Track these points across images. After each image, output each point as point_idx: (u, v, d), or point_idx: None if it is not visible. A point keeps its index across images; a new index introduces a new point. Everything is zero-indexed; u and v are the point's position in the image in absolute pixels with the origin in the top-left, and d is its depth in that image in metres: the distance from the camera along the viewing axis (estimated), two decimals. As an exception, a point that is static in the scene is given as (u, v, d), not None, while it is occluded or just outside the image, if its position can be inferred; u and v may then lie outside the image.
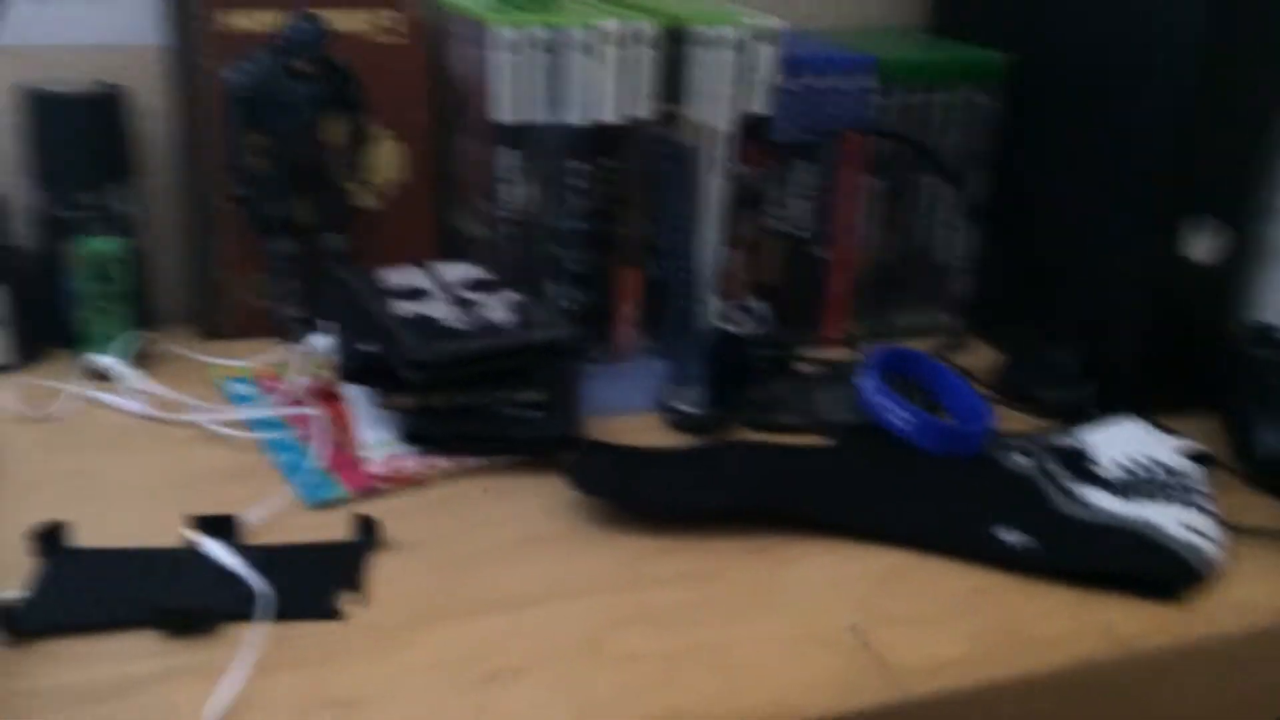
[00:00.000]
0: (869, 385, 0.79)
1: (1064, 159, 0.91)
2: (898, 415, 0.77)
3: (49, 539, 0.63)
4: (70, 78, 0.90)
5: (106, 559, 0.63)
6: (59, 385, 0.84)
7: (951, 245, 1.01)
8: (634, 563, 0.66)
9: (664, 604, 0.62)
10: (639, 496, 0.69)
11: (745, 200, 0.92)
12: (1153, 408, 0.82)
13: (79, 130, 0.88)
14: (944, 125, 0.96)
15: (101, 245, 0.85)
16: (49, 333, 0.91)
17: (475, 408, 0.77)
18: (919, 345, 0.88)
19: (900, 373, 0.84)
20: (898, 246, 0.99)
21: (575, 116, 0.86)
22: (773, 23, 0.88)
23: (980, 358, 0.97)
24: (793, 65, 0.90)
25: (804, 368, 0.90)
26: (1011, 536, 0.68)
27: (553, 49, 0.85)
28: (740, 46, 0.88)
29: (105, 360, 0.85)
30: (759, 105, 0.90)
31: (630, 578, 0.65)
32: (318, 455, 0.75)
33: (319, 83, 0.88)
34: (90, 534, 0.65)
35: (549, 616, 0.61)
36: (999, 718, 0.59)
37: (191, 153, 0.91)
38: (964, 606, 0.63)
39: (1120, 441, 0.76)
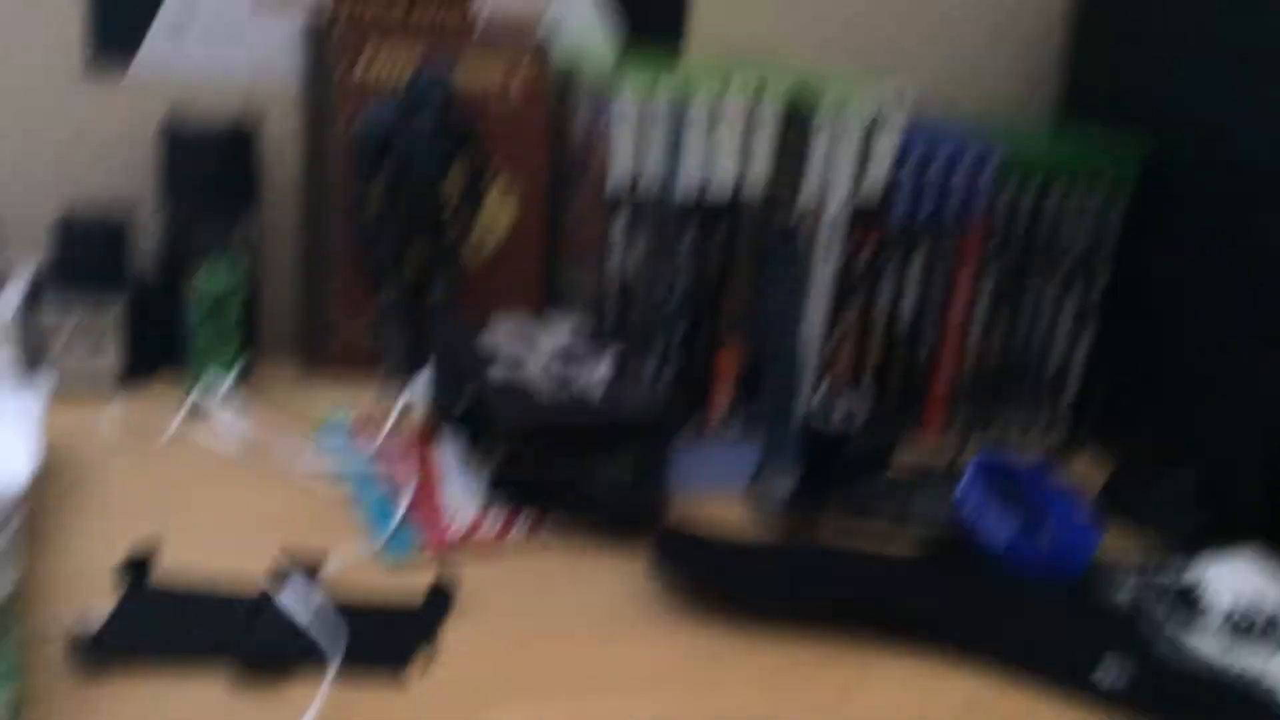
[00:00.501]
0: (969, 496, 0.76)
1: (1194, 263, 0.87)
2: (997, 534, 0.74)
3: (134, 570, 0.64)
4: (205, 113, 0.93)
5: (187, 596, 0.63)
6: (163, 412, 0.86)
7: (1065, 348, 0.97)
8: (707, 660, 0.64)
9: (738, 708, 0.60)
10: (720, 587, 0.67)
11: (853, 287, 0.90)
12: (1275, 543, 0.77)
13: (210, 164, 0.90)
14: (1066, 220, 0.93)
15: (218, 279, 0.87)
16: (159, 358, 0.94)
17: (561, 477, 0.76)
18: (1024, 450, 0.84)
19: (1004, 481, 0.80)
20: (1008, 345, 0.96)
21: (689, 188, 0.85)
22: (896, 104, 0.86)
23: (1089, 469, 0.93)
24: (914, 153, 0.89)
25: (901, 467, 0.87)
26: (1108, 678, 0.64)
27: (673, 119, 0.85)
28: (862, 131, 0.86)
29: (209, 391, 0.86)
30: (875, 190, 0.88)
31: (703, 676, 0.63)
32: (403, 509, 0.75)
33: (442, 136, 0.90)
34: (179, 565, 0.66)
35: (616, 708, 0.59)
36: None
37: (314, 194, 0.93)
38: (1052, 749, 0.60)
39: (1237, 579, 0.72)
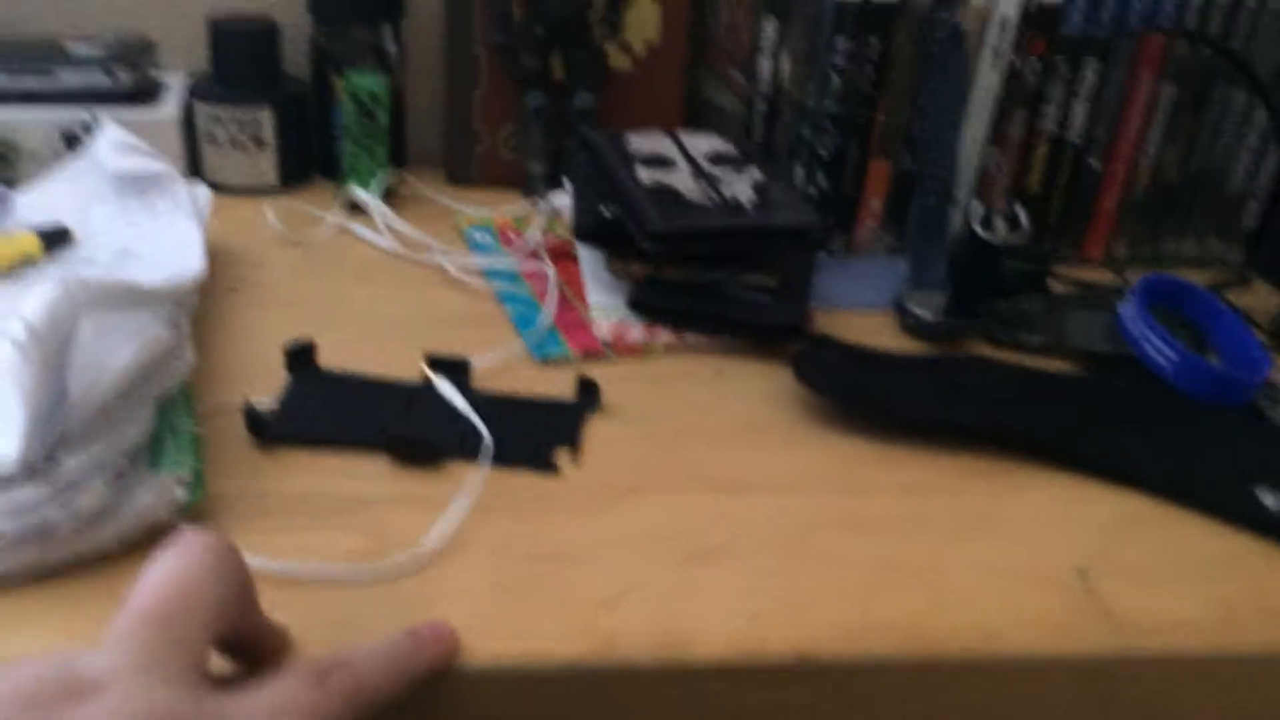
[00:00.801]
0: (1131, 313, 0.73)
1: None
2: (1161, 351, 0.70)
3: (300, 357, 0.67)
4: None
5: (349, 383, 0.66)
6: (317, 212, 0.88)
7: (1248, 170, 0.90)
8: (850, 466, 0.64)
9: (876, 513, 0.60)
10: (865, 398, 0.67)
11: (1020, 97, 0.85)
12: None
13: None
14: (1260, 32, 0.85)
15: (367, 81, 0.87)
16: (312, 161, 0.96)
17: (706, 285, 0.76)
18: (1194, 278, 0.80)
19: (1168, 305, 0.76)
20: (1185, 165, 0.89)
21: (847, -10, 0.81)
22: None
23: (1263, 300, 0.88)
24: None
25: (1059, 286, 0.83)
26: (1273, 499, 0.61)
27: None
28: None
29: (360, 194, 0.88)
30: (1051, -6, 0.82)
31: (845, 481, 0.63)
32: (548, 312, 0.76)
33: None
34: (335, 357, 0.69)
35: (757, 506, 0.60)
36: (1228, 692, 0.54)
37: (458, 1, 0.91)
38: (1208, 567, 0.58)
39: None
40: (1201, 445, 0.66)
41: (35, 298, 0.50)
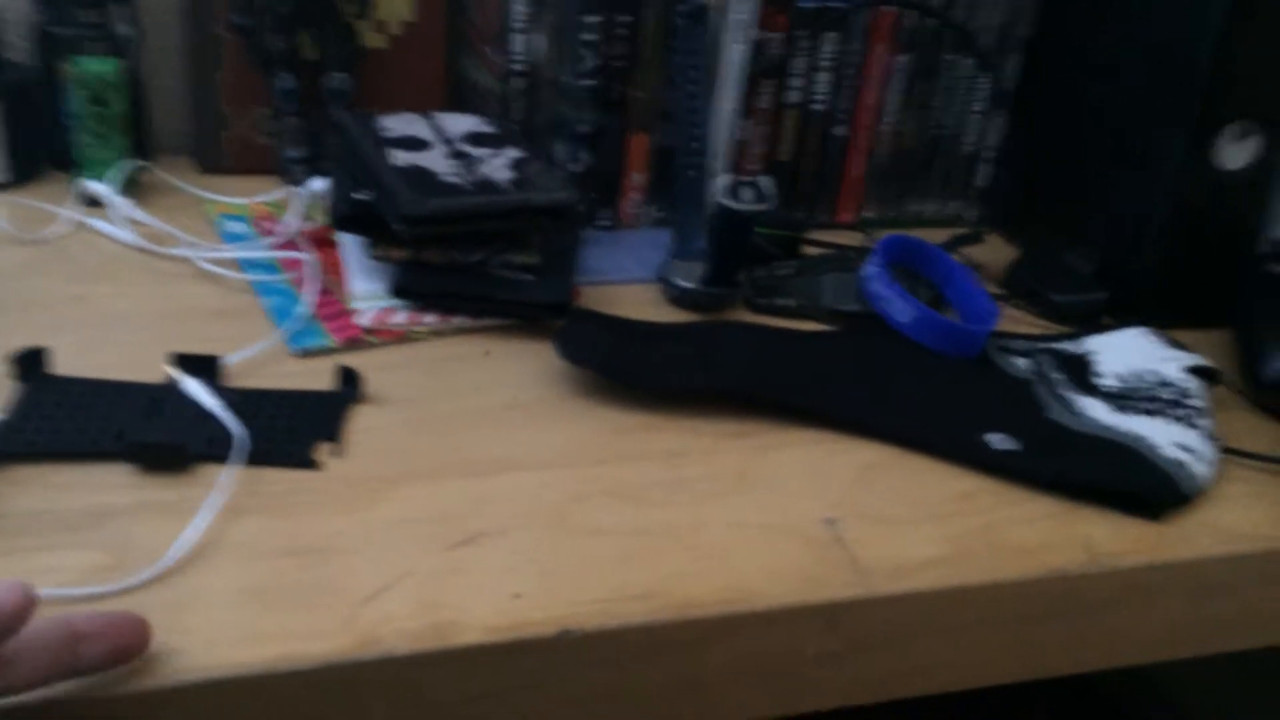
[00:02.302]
0: (871, 273, 0.77)
1: (1103, 51, 0.87)
2: (898, 307, 0.75)
3: (29, 363, 0.63)
4: (68, -117, 0.85)
5: (85, 388, 0.62)
6: (50, 208, 0.82)
7: (978, 133, 0.97)
8: (612, 437, 0.65)
9: (637, 481, 0.62)
10: (625, 369, 0.68)
11: (765, 69, 0.88)
12: (1166, 321, 0.80)
13: (76, -59, 0.84)
14: (982, 2, 0.91)
15: (97, 65, 0.82)
16: (43, 153, 0.89)
17: (468, 266, 0.75)
18: (935, 236, 0.85)
19: (908, 264, 0.81)
20: (921, 130, 0.95)
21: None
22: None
23: (995, 254, 0.95)
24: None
25: (811, 251, 0.87)
26: (999, 441, 0.66)
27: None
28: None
29: (98, 186, 0.83)
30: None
31: (607, 452, 0.64)
32: (307, 302, 0.74)
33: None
34: (72, 362, 0.65)
35: (522, 484, 0.60)
36: (964, 623, 0.58)
37: (193, -25, 0.87)
38: (944, 509, 0.62)
39: (1125, 352, 0.74)
40: (937, 395, 0.70)
41: None
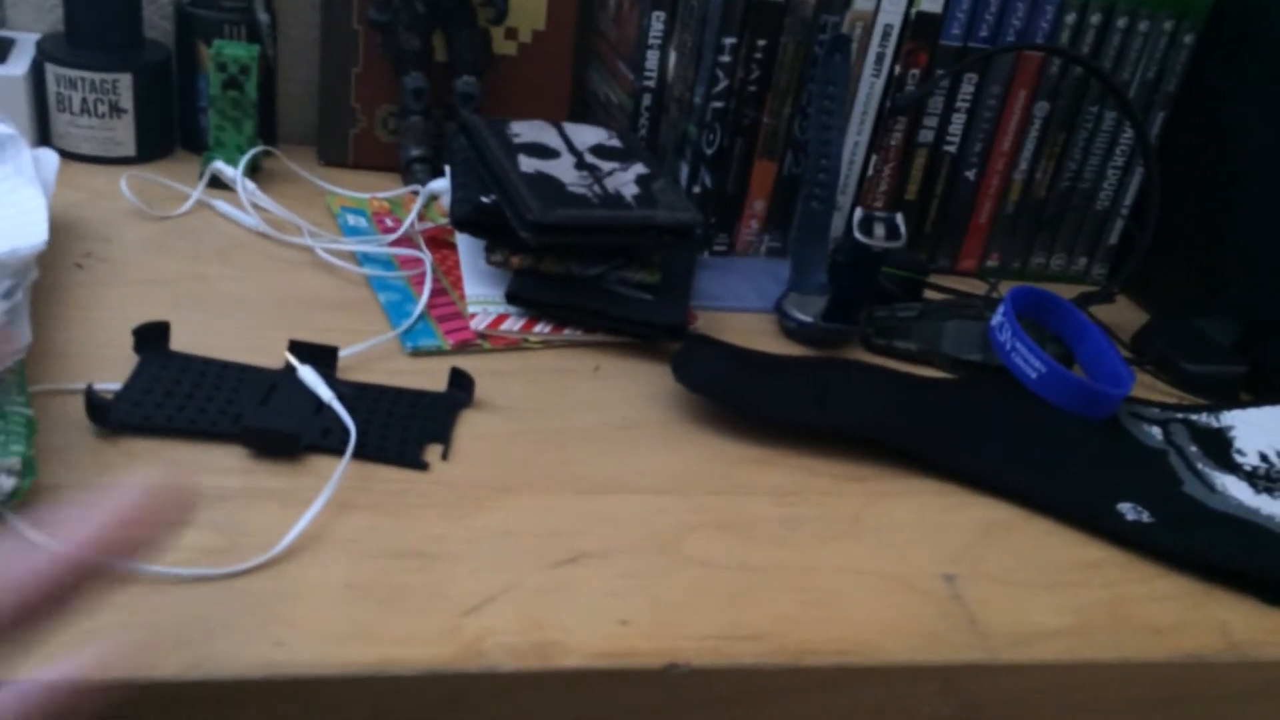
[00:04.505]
0: (1000, 324, 0.74)
1: (1261, 113, 0.83)
2: (1028, 361, 0.72)
3: (150, 338, 0.63)
4: None
5: (205, 367, 0.62)
6: (179, 186, 0.83)
7: (1114, 188, 0.93)
8: (724, 467, 0.63)
9: (749, 515, 0.60)
10: (742, 399, 0.66)
11: (900, 107, 0.86)
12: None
13: (228, -73, 0.85)
14: (1133, 55, 0.88)
15: (236, 50, 0.83)
16: (175, 132, 0.91)
17: (585, 279, 0.74)
18: (1060, 292, 0.82)
19: (1037, 317, 0.78)
20: (1055, 181, 0.92)
21: (738, -12, 0.80)
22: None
23: (1124, 315, 0.91)
24: (981, -35, 0.83)
25: (933, 295, 0.84)
26: (1131, 511, 0.63)
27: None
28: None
29: (226, 168, 0.83)
30: (932, 3, 0.83)
31: (718, 482, 0.62)
32: (422, 301, 0.73)
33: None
34: (190, 340, 0.65)
35: (631, 507, 0.59)
36: (1087, 700, 0.55)
37: (337, -31, 0.88)
38: (1069, 577, 0.59)
39: (1270, 431, 0.71)
40: (1065, 456, 0.67)
41: None
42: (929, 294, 0.85)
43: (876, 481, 0.64)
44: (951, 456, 0.65)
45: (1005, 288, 0.88)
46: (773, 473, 0.64)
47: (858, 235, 0.71)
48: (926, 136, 0.88)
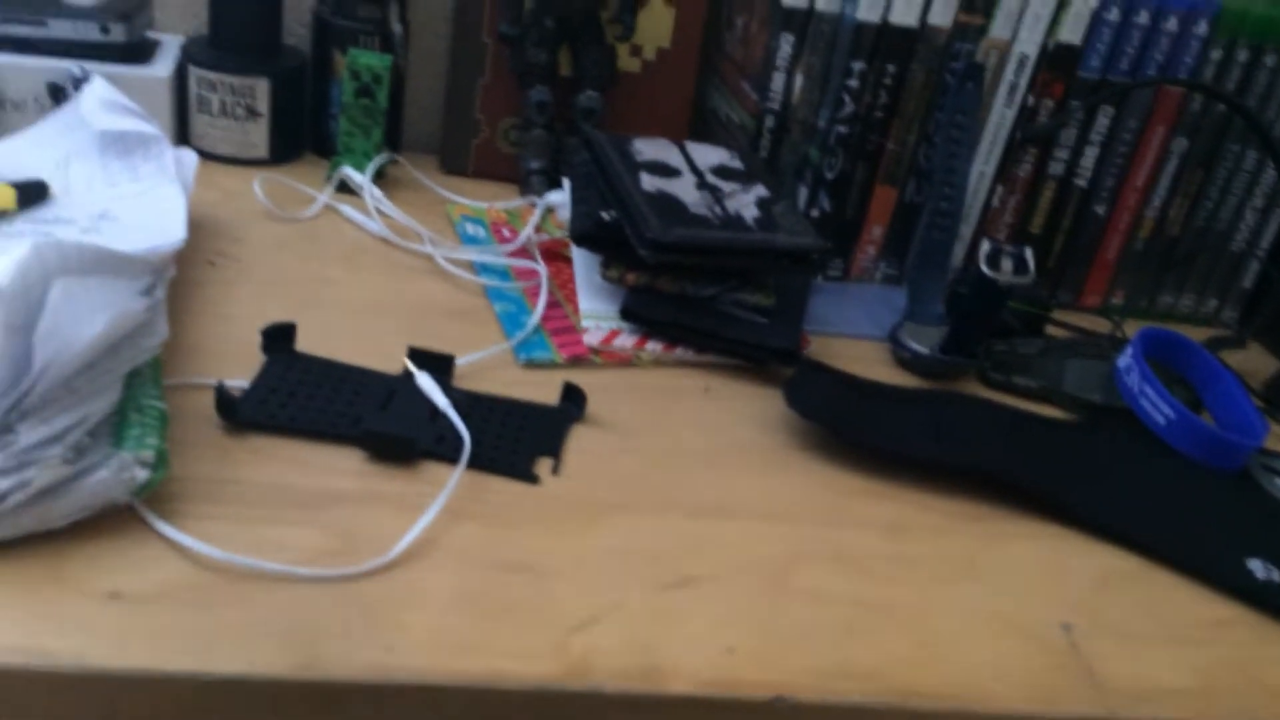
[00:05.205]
0: (1128, 365, 0.71)
1: None
2: (1157, 406, 0.69)
3: (278, 338, 0.64)
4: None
5: (327, 370, 0.63)
6: (306, 190, 0.85)
7: (1252, 230, 0.90)
8: (835, 498, 0.62)
9: (860, 549, 0.59)
10: (856, 429, 0.65)
11: (1032, 136, 0.84)
12: None
13: (368, -60, 0.87)
14: (1276, 91, 0.84)
15: (370, 59, 0.85)
16: (305, 136, 0.93)
17: (700, 299, 0.74)
18: (1189, 333, 0.79)
19: (1165, 360, 0.75)
20: (1190, 220, 0.89)
21: (867, 10, 0.79)
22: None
23: (1256, 362, 0.87)
24: (1123, -4, 0.80)
25: (1056, 331, 0.82)
26: (1263, 570, 0.60)
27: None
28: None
29: (352, 174, 0.85)
30: (1072, 34, 0.81)
31: (828, 513, 0.61)
32: (537, 313, 0.73)
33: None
34: (313, 341, 0.66)
35: (742, 533, 0.58)
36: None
37: (470, -18, 0.89)
38: (1194, 634, 0.57)
39: None
40: (1192, 507, 0.64)
41: (5, 258, 0.47)
42: (1050, 330, 0.82)
43: (992, 521, 0.63)
44: (1072, 500, 0.63)
45: (1131, 327, 0.85)
46: (884, 506, 0.62)
47: (984, 269, 0.70)
48: (1057, 168, 0.86)
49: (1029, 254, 0.71)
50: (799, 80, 0.82)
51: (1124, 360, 0.72)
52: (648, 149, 0.81)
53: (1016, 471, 0.64)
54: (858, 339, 0.80)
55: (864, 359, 0.78)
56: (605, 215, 0.74)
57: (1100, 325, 0.87)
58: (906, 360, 0.76)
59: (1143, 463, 0.68)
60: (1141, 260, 0.90)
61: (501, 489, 0.58)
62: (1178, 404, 0.68)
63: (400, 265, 0.79)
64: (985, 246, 0.71)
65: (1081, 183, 0.86)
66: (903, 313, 0.80)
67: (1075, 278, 0.90)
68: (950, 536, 0.61)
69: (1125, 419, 0.71)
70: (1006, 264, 0.70)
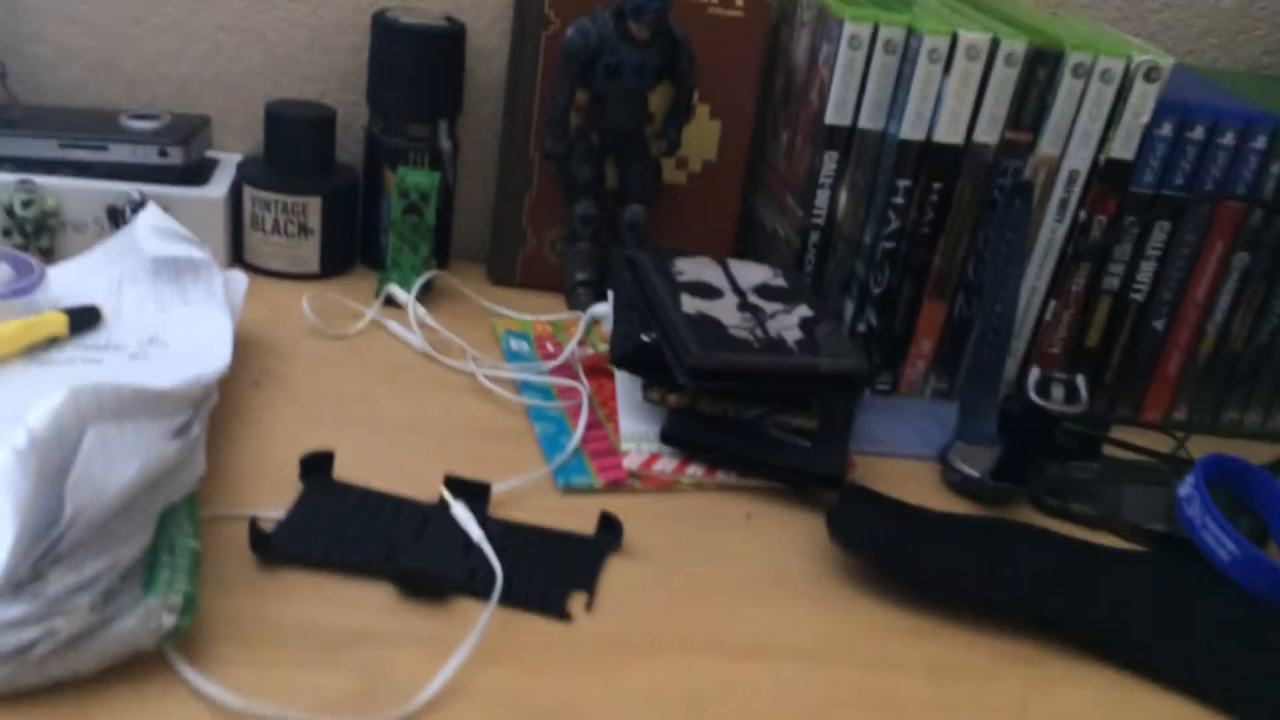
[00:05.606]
0: (1189, 495, 0.69)
1: None
2: (1220, 541, 0.66)
3: (315, 467, 0.65)
4: (416, 10, 0.91)
5: (363, 499, 0.63)
6: (354, 305, 0.86)
7: (1319, 344, 0.86)
8: (878, 637, 0.60)
9: (902, 695, 0.56)
10: (902, 566, 0.63)
11: (1085, 252, 0.82)
12: None
13: (420, 63, 0.89)
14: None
15: (419, 177, 0.86)
16: (356, 249, 0.95)
17: (742, 422, 0.73)
18: (1255, 452, 0.75)
19: (1230, 486, 0.72)
20: (1254, 334, 0.86)
21: (911, 128, 0.79)
22: (1162, 60, 0.77)
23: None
24: (1175, 111, 0.79)
25: (1113, 451, 0.79)
26: (1339, 725, 0.56)
27: (902, 53, 0.78)
28: (1120, 82, 0.77)
29: (398, 291, 0.86)
30: (1123, 149, 0.79)
31: (870, 653, 0.59)
32: (575, 438, 0.73)
33: (653, 50, 0.85)
34: (353, 464, 0.66)
35: (777, 675, 0.56)
36: None
37: (517, 101, 0.91)
38: (1264, 798, 0.53)
39: None
40: (1260, 652, 0.61)
41: (42, 403, 0.48)
42: (1109, 450, 0.79)
43: (1043, 664, 0.60)
44: (1130, 643, 0.60)
45: (1195, 443, 0.82)
46: (929, 646, 0.60)
47: (1034, 398, 0.68)
48: (1111, 283, 0.83)
49: (1081, 382, 0.69)
50: (844, 196, 0.82)
51: (1185, 489, 0.69)
52: (690, 269, 0.80)
53: (1069, 610, 0.61)
54: (906, 458, 0.78)
55: (912, 479, 0.75)
56: (646, 337, 0.74)
57: (1161, 442, 0.83)
58: (956, 483, 0.74)
59: (1209, 600, 0.64)
60: (1204, 376, 0.87)
61: (533, 628, 0.57)
62: (1242, 539, 0.65)
63: (443, 382, 0.79)
64: (1034, 375, 0.69)
65: (1138, 297, 0.84)
66: (953, 432, 0.78)
67: (1134, 393, 0.87)
68: (998, 681, 0.58)
69: (1191, 549, 0.68)
70: (1057, 392, 0.68)
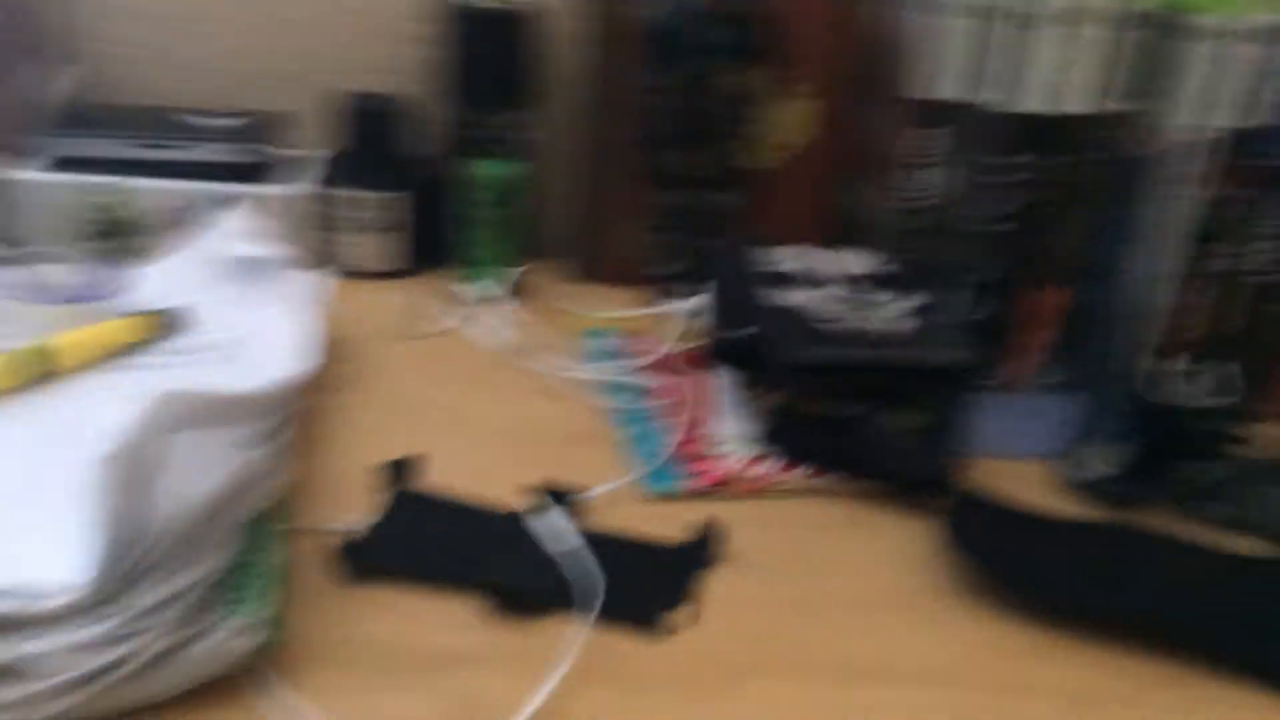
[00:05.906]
0: (1349, 498, 0.62)
1: None
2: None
3: (398, 476, 0.62)
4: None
5: (448, 511, 0.60)
6: (440, 304, 0.84)
7: None
8: (1005, 657, 0.55)
9: (1033, 721, 0.51)
10: (1027, 577, 0.58)
11: (1216, 230, 0.75)
12: None
13: (498, 51, 0.86)
14: None
15: (503, 169, 0.83)
16: (444, 246, 0.92)
17: (846, 421, 0.68)
18: None
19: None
20: None
21: (1023, 102, 0.73)
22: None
23: None
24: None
25: (1257, 450, 0.72)
26: None
27: (1012, 20, 0.72)
28: (1255, 41, 0.71)
29: (484, 286, 0.84)
30: (1257, 117, 0.72)
31: (998, 676, 0.54)
32: (669, 437, 0.69)
33: (738, 29, 0.81)
34: (439, 471, 0.64)
35: (896, 703, 0.52)
36: None
37: (598, 89, 0.87)
38: None
39: None
40: None
41: (128, 410, 0.46)
42: (1249, 449, 0.73)
43: (1194, 687, 0.54)
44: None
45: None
46: (1063, 669, 0.55)
47: (1179, 388, 0.62)
48: (1251, 264, 0.77)
49: (1231, 371, 0.63)
50: (950, 177, 0.76)
51: (1342, 490, 0.63)
52: (789, 259, 0.76)
53: (1219, 628, 0.56)
54: (1024, 459, 0.73)
55: (1030, 481, 0.70)
56: (742, 332, 0.70)
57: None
58: (1083, 485, 0.68)
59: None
60: (1353, 363, 0.79)
61: (630, 645, 0.53)
62: None
63: (528, 384, 0.76)
64: (1178, 364, 0.63)
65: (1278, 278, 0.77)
66: (1077, 430, 0.73)
67: (1273, 384, 0.80)
68: (1143, 709, 0.53)
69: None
70: (1204, 383, 0.62)
